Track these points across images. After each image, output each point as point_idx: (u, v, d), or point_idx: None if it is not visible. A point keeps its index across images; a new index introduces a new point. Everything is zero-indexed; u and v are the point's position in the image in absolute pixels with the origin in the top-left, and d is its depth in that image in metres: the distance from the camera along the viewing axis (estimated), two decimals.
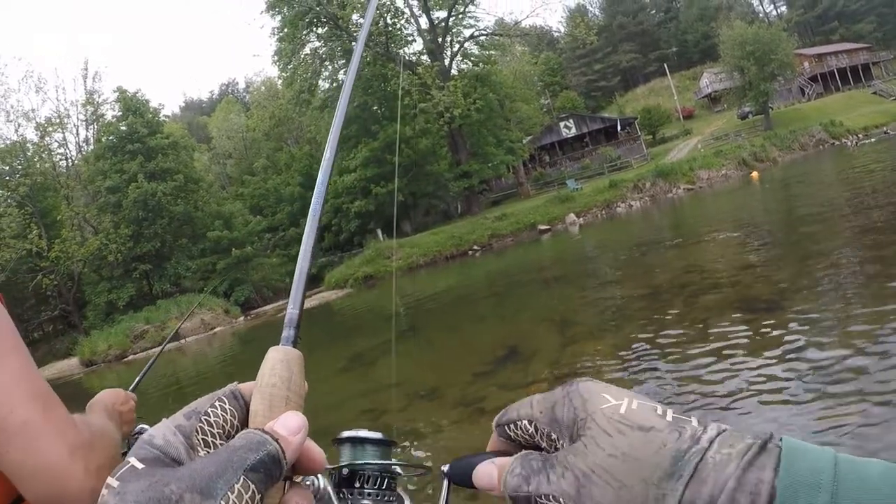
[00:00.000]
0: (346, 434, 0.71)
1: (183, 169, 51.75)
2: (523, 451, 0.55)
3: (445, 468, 0.66)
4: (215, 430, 0.54)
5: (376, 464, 0.69)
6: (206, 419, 0.55)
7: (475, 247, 37.11)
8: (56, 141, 54.37)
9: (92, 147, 53.80)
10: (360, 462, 0.69)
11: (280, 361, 0.60)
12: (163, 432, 0.52)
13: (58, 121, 53.88)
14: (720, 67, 67.52)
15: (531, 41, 69.50)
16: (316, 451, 0.58)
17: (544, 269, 21.30)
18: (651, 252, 16.64)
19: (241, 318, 41.84)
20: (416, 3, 48.76)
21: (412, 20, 49.54)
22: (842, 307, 7.14)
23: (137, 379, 2.13)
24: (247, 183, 65.18)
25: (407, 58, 48.63)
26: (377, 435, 0.71)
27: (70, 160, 55.41)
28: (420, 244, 38.83)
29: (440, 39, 48.59)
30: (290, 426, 0.54)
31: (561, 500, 0.46)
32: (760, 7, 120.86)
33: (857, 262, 9.18)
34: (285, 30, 48.00)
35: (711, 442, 0.45)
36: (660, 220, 27.53)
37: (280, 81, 59.45)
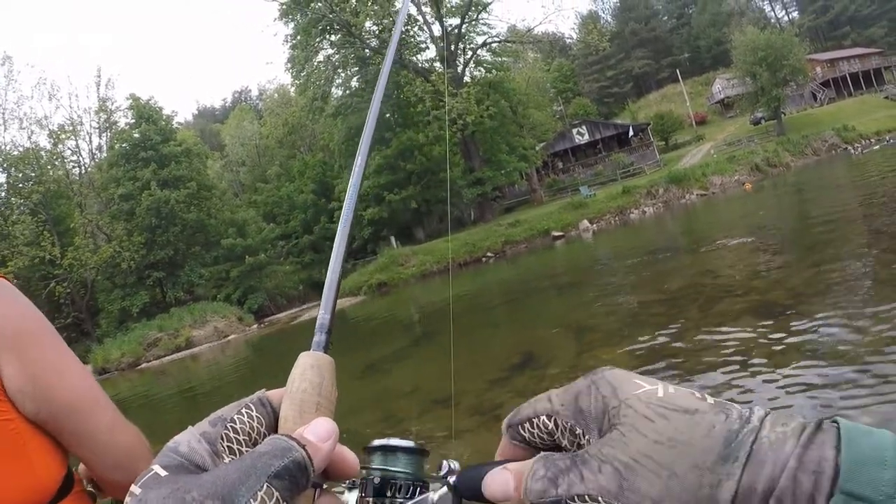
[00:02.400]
0: (377, 443, 0.69)
1: (196, 176, 51.95)
2: (543, 453, 0.51)
3: (452, 479, 0.64)
4: (241, 437, 0.54)
5: (404, 473, 0.67)
6: (231, 426, 0.54)
7: (489, 254, 37.07)
8: (69, 148, 54.87)
9: (105, 154, 54.14)
10: (392, 469, 0.67)
11: (311, 367, 0.60)
12: (187, 439, 0.51)
13: (71, 128, 54.29)
14: (732, 73, 67.46)
15: (544, 48, 69.49)
16: (349, 457, 0.57)
17: (558, 275, 21.26)
18: (665, 258, 16.59)
19: (255, 326, 41.96)
20: (429, 10, 48.90)
21: (425, 27, 49.72)
22: (858, 312, 7.10)
23: None
24: (260, 190, 65.40)
25: (420, 65, 48.74)
26: (409, 443, 0.69)
27: (83, 167, 55.78)
28: (434, 251, 38.83)
29: (453, 46, 48.67)
30: (319, 432, 0.53)
31: (600, 498, 0.43)
32: (772, 13, 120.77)
33: (872, 267, 9.12)
34: (298, 37, 48.22)
35: (762, 421, 0.42)
36: (673, 226, 27.44)
37: (293, 89, 59.71)
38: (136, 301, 46.50)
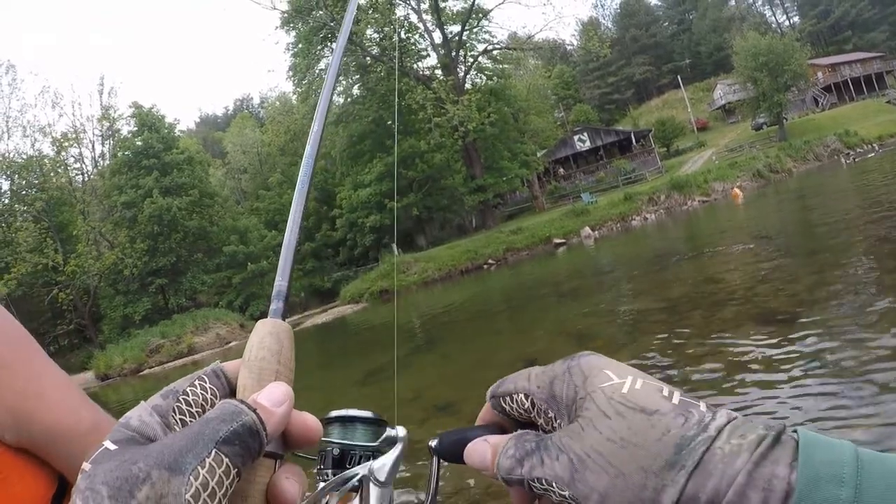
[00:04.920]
0: (335, 414, 0.68)
1: (198, 184, 52.08)
2: (519, 431, 0.52)
3: (433, 443, 0.63)
4: (194, 410, 0.53)
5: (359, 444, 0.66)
6: (184, 398, 0.53)
7: (490, 261, 37.09)
8: (72, 156, 54.95)
9: (108, 162, 54.26)
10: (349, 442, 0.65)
11: (269, 334, 0.59)
12: (139, 413, 0.50)
13: (74, 136, 54.37)
14: (734, 79, 67.47)
15: (544, 55, 69.52)
16: (310, 423, 0.56)
17: (560, 282, 21.25)
18: (667, 265, 16.58)
19: None
20: (430, 18, 49.03)
21: (426, 35, 49.82)
22: (861, 318, 7.10)
23: None
24: (262, 198, 65.49)
25: (421, 72, 48.84)
26: (368, 414, 0.69)
27: (86, 175, 55.86)
28: (435, 258, 38.86)
29: (454, 54, 48.78)
30: (273, 397, 0.52)
31: (554, 484, 0.44)
32: (773, 18, 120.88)
33: (876, 273, 9.12)
34: (300, 45, 48.43)
35: (720, 430, 0.42)
36: (675, 232, 27.43)
37: (295, 97, 59.87)
38: (139, 308, 46.59)
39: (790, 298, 8.95)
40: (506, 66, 53.36)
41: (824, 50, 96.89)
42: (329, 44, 48.57)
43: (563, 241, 36.41)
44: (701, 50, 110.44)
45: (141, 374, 35.52)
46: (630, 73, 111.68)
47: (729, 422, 0.43)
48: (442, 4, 48.18)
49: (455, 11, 49.49)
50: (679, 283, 13.13)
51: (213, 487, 0.44)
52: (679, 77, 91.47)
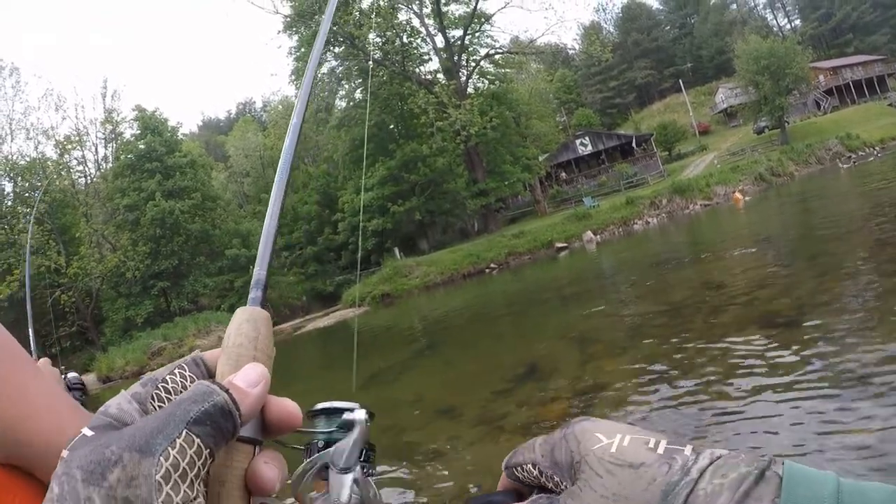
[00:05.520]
0: (320, 406, 0.68)
1: (200, 187, 52.18)
2: (534, 496, 0.54)
3: None
4: (172, 396, 0.52)
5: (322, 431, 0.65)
6: (163, 386, 0.53)
7: (492, 265, 37.11)
8: (75, 159, 55.21)
9: (111, 165, 54.40)
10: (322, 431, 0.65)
11: (247, 321, 0.59)
12: (118, 401, 0.51)
13: (77, 139, 54.54)
14: (735, 82, 67.46)
15: (546, 59, 69.78)
16: (290, 407, 0.56)
17: (562, 286, 21.27)
18: (669, 269, 16.61)
19: None
20: (432, 22, 49.11)
21: (428, 39, 49.89)
22: (863, 322, 7.12)
23: None
24: (264, 201, 65.48)
25: (423, 76, 48.92)
26: (353, 405, 0.69)
27: (89, 178, 56.02)
28: (437, 262, 38.89)
29: (456, 58, 48.86)
30: (248, 377, 0.52)
31: None
32: (774, 21, 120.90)
33: (877, 277, 9.14)
34: (302, 49, 48.48)
35: (703, 472, 0.43)
36: (677, 236, 27.45)
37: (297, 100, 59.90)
38: (141, 310, 46.63)
39: (792, 302, 8.97)
40: (508, 70, 53.47)
41: (826, 53, 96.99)
42: (332, 48, 48.68)
43: (565, 245, 36.43)
44: (703, 54, 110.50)
45: (143, 376, 35.55)
46: (632, 77, 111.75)
47: (711, 462, 0.43)
48: (444, 9, 48.29)
49: (457, 16, 49.61)
50: (681, 287, 13.15)
51: (184, 468, 0.44)
52: (681, 81, 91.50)
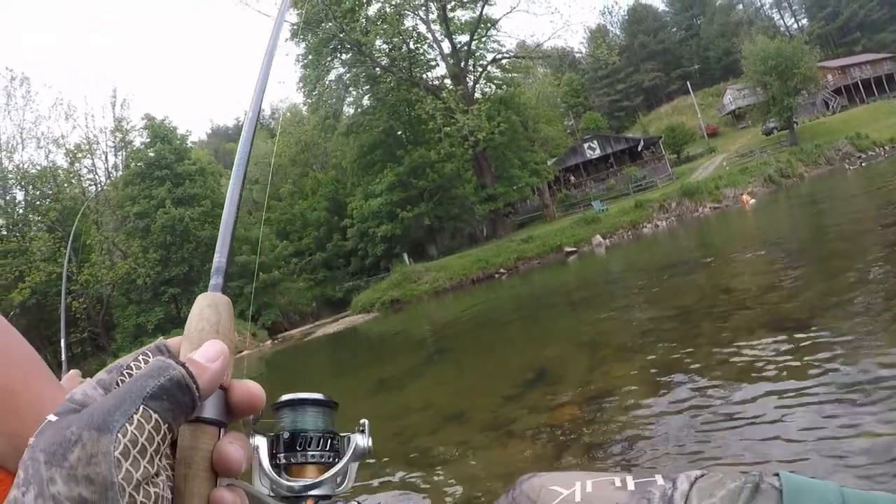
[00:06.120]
0: (285, 397, 0.68)
1: (210, 194, 52.36)
2: None
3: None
4: None
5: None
6: (127, 372, 0.53)
7: (501, 270, 37.10)
8: (85, 167, 55.33)
9: (121, 173, 54.64)
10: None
11: (208, 306, 0.61)
12: (84, 388, 0.51)
13: (87, 147, 54.79)
14: (743, 83, 67.21)
15: (553, 63, 69.72)
16: (253, 388, 0.56)
17: (571, 291, 21.26)
18: (678, 272, 16.58)
19: (268, 342, 42.13)
20: (438, 28, 49.19)
21: (435, 45, 49.98)
22: (873, 324, 7.10)
23: None
24: (273, 208, 65.71)
25: (431, 82, 49.00)
26: (318, 396, 0.69)
27: (99, 186, 56.29)
28: (446, 268, 38.90)
29: (463, 63, 48.92)
30: (207, 353, 0.52)
31: None
32: (781, 21, 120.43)
33: (888, 280, 9.11)
34: (310, 57, 48.60)
35: (687, 497, 0.40)
36: (686, 239, 27.38)
37: (305, 108, 60.15)
38: (152, 316, 46.81)
39: (802, 306, 8.95)
40: (515, 74, 53.46)
41: (833, 52, 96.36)
42: (339, 55, 48.85)
43: (574, 249, 36.40)
44: (710, 55, 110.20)
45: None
46: (639, 80, 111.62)
47: (693, 484, 0.40)
48: (450, 14, 48.36)
49: (463, 21, 49.68)
50: (690, 291, 13.13)
51: (142, 444, 0.44)
52: (688, 83, 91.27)
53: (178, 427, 0.48)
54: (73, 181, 52.57)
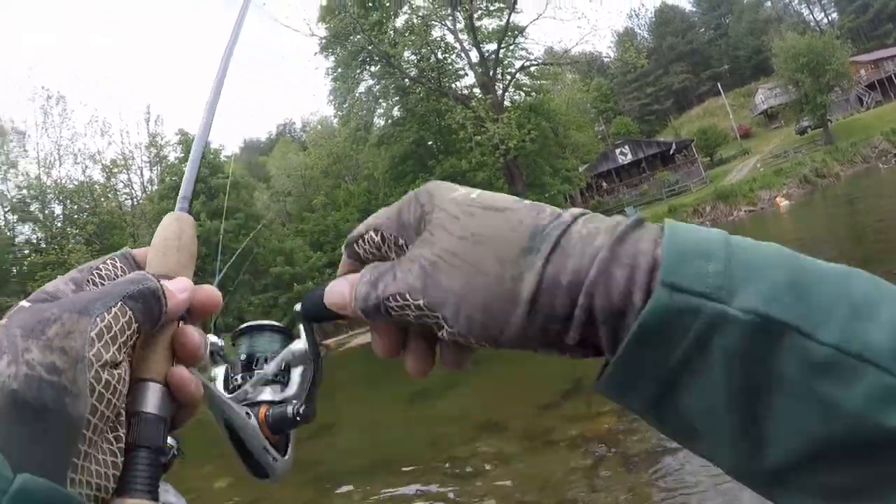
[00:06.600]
0: (241, 326, 0.73)
1: (244, 207, 52.87)
2: (366, 267, 0.52)
3: (298, 307, 0.66)
4: (105, 281, 0.56)
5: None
6: (97, 272, 0.56)
7: None
8: (121, 181, 56.50)
9: (156, 187, 55.51)
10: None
11: (173, 221, 0.66)
12: (55, 283, 0.54)
13: (122, 162, 55.88)
14: (774, 82, 66.31)
15: (581, 68, 69.33)
16: (209, 290, 0.62)
17: None
18: None
19: None
20: (465, 37, 49.28)
21: (463, 54, 50.06)
22: None
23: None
24: (306, 219, 66.11)
25: (460, 92, 49.09)
26: (271, 322, 0.72)
27: (135, 199, 57.26)
28: None
29: (491, 72, 48.92)
30: (177, 285, 0.56)
31: (408, 296, 0.43)
32: (811, 16, 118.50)
33: None
34: (339, 69, 48.98)
35: (576, 218, 0.41)
36: None
37: (336, 120, 60.59)
38: None
39: None
40: (544, 81, 53.31)
41: (865, 45, 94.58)
42: (368, 67, 49.17)
43: None
44: (739, 54, 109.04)
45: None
46: (669, 83, 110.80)
47: (583, 213, 0.42)
48: (477, 24, 48.41)
49: (491, 30, 49.67)
50: None
51: (115, 332, 0.48)
52: (719, 84, 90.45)
53: (145, 333, 0.52)
54: (109, 195, 53.70)
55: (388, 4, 46.47)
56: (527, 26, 50.11)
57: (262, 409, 0.64)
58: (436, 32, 48.81)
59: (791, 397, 0.31)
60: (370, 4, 45.48)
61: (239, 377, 0.68)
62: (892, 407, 0.29)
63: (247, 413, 0.64)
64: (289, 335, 0.73)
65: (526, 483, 6.37)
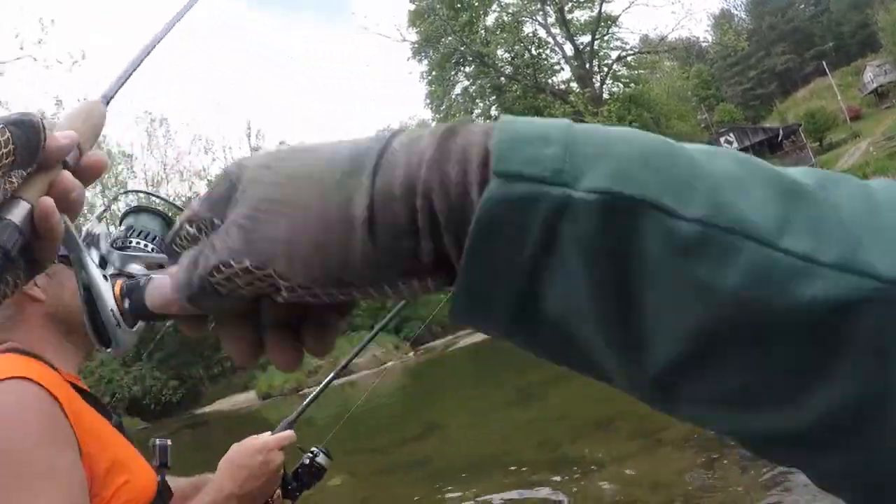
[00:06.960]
0: (128, 209, 0.76)
1: None
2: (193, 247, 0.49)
3: (126, 304, 0.60)
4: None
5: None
6: None
7: None
8: None
9: None
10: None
11: (88, 103, 0.67)
12: None
13: None
14: (883, 58, 63.36)
15: (679, 55, 67.94)
16: (100, 154, 0.63)
17: None
18: None
19: (411, 354, 42.98)
20: (558, 31, 48.98)
21: (557, 49, 49.78)
22: None
23: (295, 414, 2.08)
24: None
25: (557, 87, 48.87)
26: (153, 207, 0.76)
27: None
28: None
29: (587, 65, 48.46)
30: (62, 133, 0.57)
31: (231, 261, 0.40)
32: None
33: None
34: (433, 73, 49.48)
35: (395, 134, 0.39)
36: None
37: (434, 123, 61.09)
38: None
39: None
40: (641, 71, 52.49)
41: None
42: (462, 68, 49.51)
43: None
44: (843, 30, 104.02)
45: (300, 392, 37.12)
46: (771, 65, 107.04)
47: (404, 130, 0.40)
48: (569, 16, 48.02)
49: (583, 21, 49.07)
50: None
51: None
52: (824, 63, 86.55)
53: (20, 162, 0.52)
54: None
55: (476, 4, 46.65)
56: (619, 15, 49.26)
57: (121, 282, 0.63)
58: (527, 28, 48.73)
59: (661, 286, 0.29)
60: (459, 5, 45.73)
61: (116, 254, 0.70)
62: (778, 283, 0.27)
63: (104, 276, 0.65)
64: (165, 217, 0.75)
65: (640, 481, 6.40)
